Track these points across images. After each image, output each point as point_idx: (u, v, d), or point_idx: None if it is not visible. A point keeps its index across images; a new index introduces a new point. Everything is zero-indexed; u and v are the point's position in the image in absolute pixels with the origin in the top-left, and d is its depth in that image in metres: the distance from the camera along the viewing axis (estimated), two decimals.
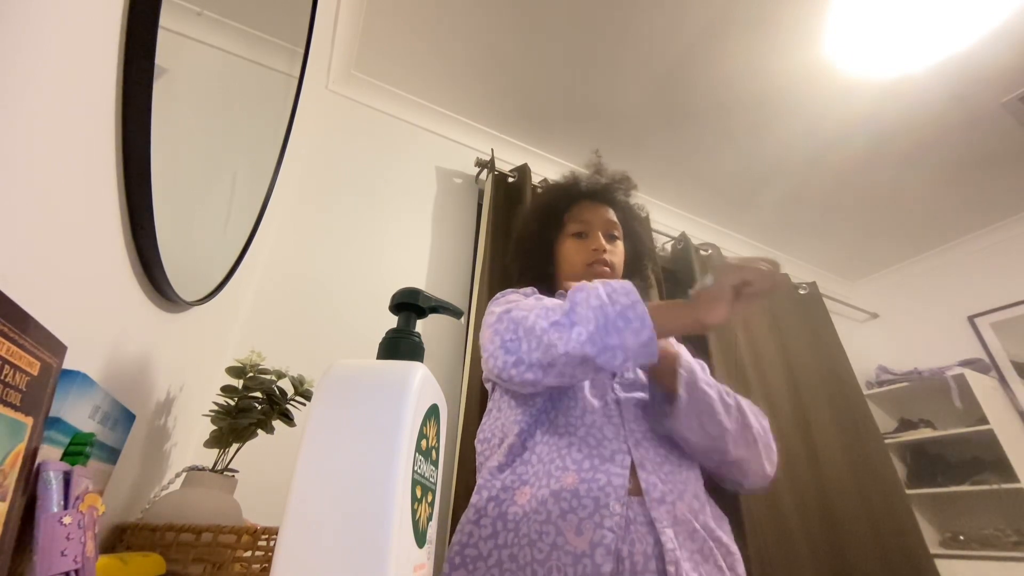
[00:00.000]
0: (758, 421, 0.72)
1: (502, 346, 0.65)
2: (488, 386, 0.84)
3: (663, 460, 0.66)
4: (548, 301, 0.67)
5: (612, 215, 0.92)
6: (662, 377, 0.70)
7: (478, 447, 0.77)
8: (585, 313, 0.59)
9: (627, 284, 0.60)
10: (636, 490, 0.62)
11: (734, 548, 0.65)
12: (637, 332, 0.56)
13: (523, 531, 0.60)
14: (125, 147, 0.44)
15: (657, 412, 0.71)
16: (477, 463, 0.76)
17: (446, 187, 1.79)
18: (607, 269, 0.86)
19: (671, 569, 0.56)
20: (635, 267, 0.98)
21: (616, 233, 0.91)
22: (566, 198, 0.95)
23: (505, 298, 0.79)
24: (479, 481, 0.68)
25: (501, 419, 0.74)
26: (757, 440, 0.70)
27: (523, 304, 0.68)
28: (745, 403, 0.72)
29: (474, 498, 0.66)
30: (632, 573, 0.56)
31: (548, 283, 0.93)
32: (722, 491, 0.74)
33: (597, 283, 0.62)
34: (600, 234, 0.89)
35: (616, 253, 0.89)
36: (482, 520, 0.63)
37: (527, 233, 0.98)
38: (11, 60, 0.31)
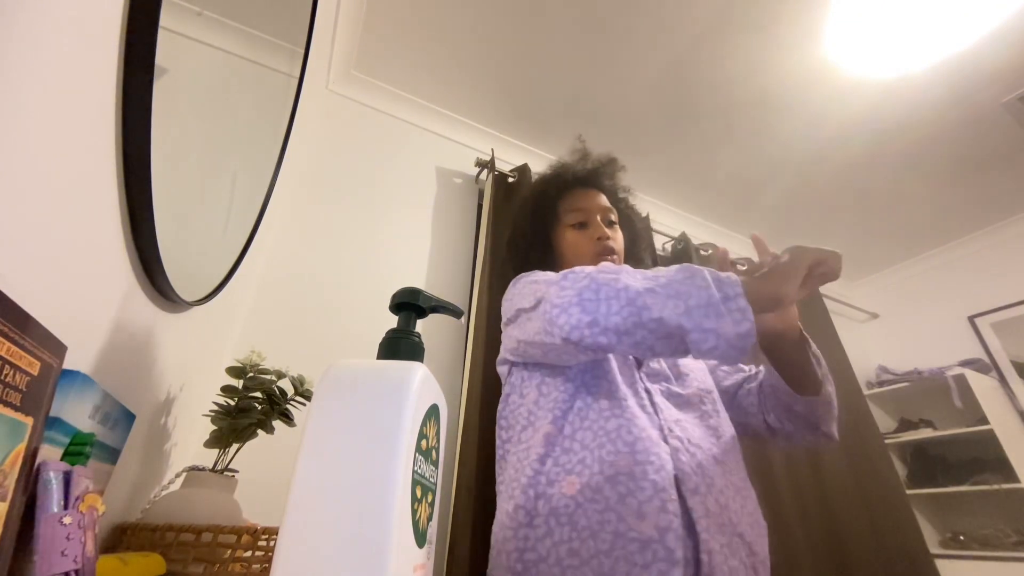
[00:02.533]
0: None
1: (578, 304, 0.60)
2: (504, 369, 0.81)
3: (696, 449, 0.65)
4: (627, 268, 0.64)
5: (605, 200, 0.91)
6: (783, 353, 0.71)
7: (501, 433, 0.75)
8: (685, 289, 0.56)
9: (733, 276, 0.57)
10: None
11: (758, 548, 0.63)
12: (737, 323, 0.53)
13: (581, 523, 0.57)
14: (125, 147, 0.44)
15: (777, 395, 0.74)
16: (501, 449, 0.74)
17: (446, 187, 1.79)
18: (615, 257, 0.85)
19: (704, 558, 0.55)
20: (632, 252, 0.95)
21: (613, 218, 0.90)
22: (557, 187, 0.93)
23: (542, 273, 0.76)
24: (522, 479, 0.65)
25: (526, 404, 0.72)
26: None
27: (602, 265, 0.65)
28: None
29: (519, 498, 0.63)
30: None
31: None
32: None
33: (702, 267, 0.60)
34: (600, 221, 0.87)
35: (617, 239, 0.88)
36: (535, 521, 0.60)
37: (521, 230, 0.95)
38: (11, 60, 0.31)
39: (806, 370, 0.71)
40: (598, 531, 0.56)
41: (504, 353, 0.80)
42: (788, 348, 0.71)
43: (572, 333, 0.60)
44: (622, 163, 0.97)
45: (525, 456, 0.67)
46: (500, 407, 0.78)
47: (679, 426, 0.67)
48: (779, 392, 0.74)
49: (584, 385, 0.70)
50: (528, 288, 0.73)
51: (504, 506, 0.66)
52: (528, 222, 0.94)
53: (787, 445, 0.79)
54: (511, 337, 0.75)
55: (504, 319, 0.79)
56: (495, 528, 0.67)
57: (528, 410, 0.71)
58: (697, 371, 0.80)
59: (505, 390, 0.78)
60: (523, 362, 0.77)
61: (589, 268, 0.65)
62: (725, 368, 0.86)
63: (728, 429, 0.74)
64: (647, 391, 0.71)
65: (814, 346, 0.72)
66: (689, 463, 0.62)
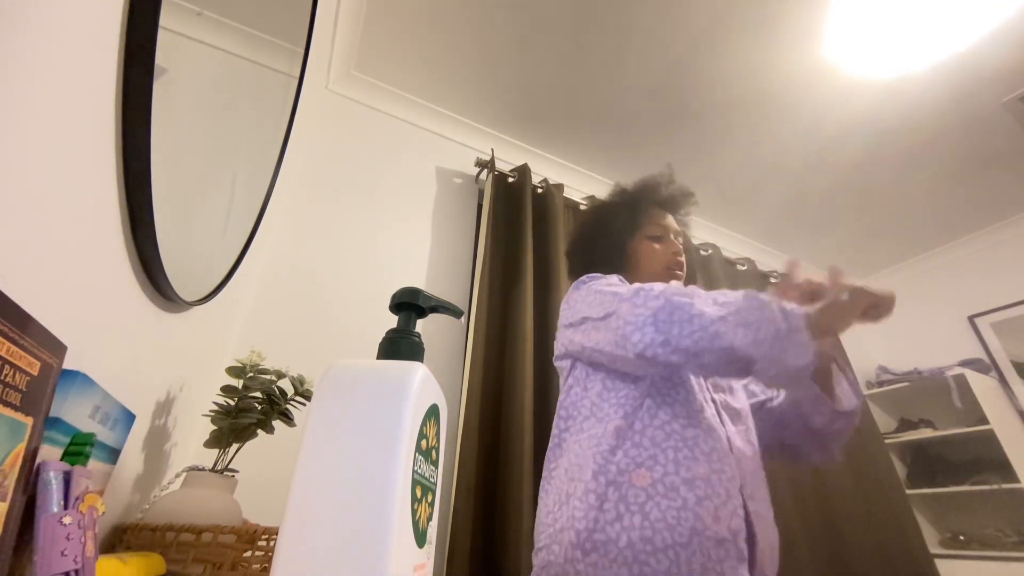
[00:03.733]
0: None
1: (653, 323, 0.64)
2: (565, 363, 0.84)
3: (748, 461, 0.72)
4: (698, 291, 0.68)
5: (679, 226, 0.98)
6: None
7: (559, 423, 0.78)
8: (754, 319, 0.60)
9: (797, 308, 0.61)
10: None
11: (777, 550, 0.70)
12: (798, 356, 0.58)
13: (654, 515, 0.61)
14: (125, 147, 0.44)
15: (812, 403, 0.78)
16: (557, 437, 0.77)
17: (446, 187, 1.79)
18: (682, 273, 0.91)
19: (759, 555, 0.62)
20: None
21: (682, 243, 0.96)
22: (646, 200, 0.99)
23: (605, 281, 0.80)
24: (591, 466, 0.68)
25: (589, 397, 0.76)
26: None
27: (674, 286, 0.70)
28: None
29: (589, 483, 0.66)
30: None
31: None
32: None
33: (769, 296, 0.63)
34: (675, 240, 0.94)
35: (684, 262, 0.94)
36: (604, 504, 0.64)
37: (600, 228, 0.99)
38: (11, 61, 0.31)
39: (826, 382, 0.77)
40: (675, 525, 0.61)
41: (564, 350, 0.83)
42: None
43: (646, 350, 0.65)
44: (696, 199, 1.06)
45: (594, 445, 0.70)
46: (562, 398, 0.81)
47: (737, 437, 0.73)
48: (801, 404, 0.79)
49: (653, 384, 0.73)
50: (595, 297, 0.76)
51: (564, 488, 0.69)
52: (609, 224, 0.98)
53: (791, 462, 0.86)
54: (574, 341, 0.79)
55: (565, 320, 0.83)
56: (552, 507, 0.69)
57: (592, 402, 0.75)
58: (739, 386, 0.85)
59: (568, 383, 0.81)
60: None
61: (660, 286, 0.69)
62: (754, 387, 0.91)
63: (757, 444, 0.79)
64: (713, 401, 0.75)
65: (839, 359, 0.78)
66: (747, 471, 0.69)
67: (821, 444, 0.81)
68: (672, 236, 0.94)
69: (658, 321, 0.64)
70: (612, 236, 0.96)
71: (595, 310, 0.75)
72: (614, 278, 0.82)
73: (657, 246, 0.93)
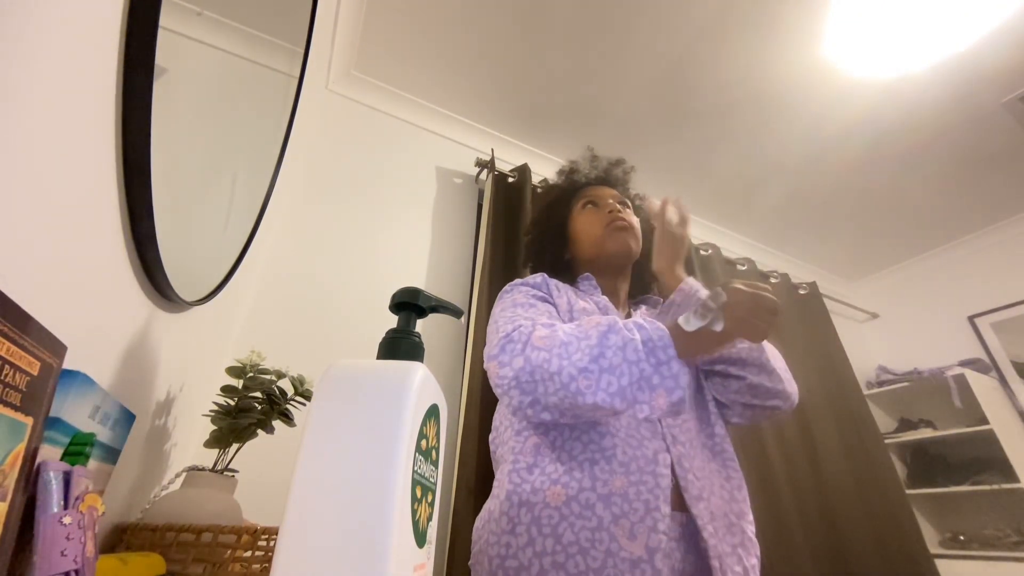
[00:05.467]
0: None
1: (517, 386, 0.61)
2: None
3: (696, 452, 0.66)
4: (564, 332, 0.62)
5: (617, 193, 0.96)
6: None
7: (491, 433, 0.77)
8: (617, 363, 0.57)
9: (665, 335, 0.58)
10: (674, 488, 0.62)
11: (755, 540, 0.66)
12: (670, 391, 0.55)
13: (567, 538, 0.58)
14: (125, 147, 0.44)
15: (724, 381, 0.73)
16: (492, 453, 0.75)
17: (446, 187, 1.79)
18: (625, 223, 0.87)
19: (715, 564, 0.57)
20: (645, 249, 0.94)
21: (625, 203, 0.93)
22: (572, 185, 0.98)
23: (512, 298, 0.76)
24: (507, 485, 0.65)
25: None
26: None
27: (536, 335, 0.63)
28: None
29: (503, 504, 0.63)
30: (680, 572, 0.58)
31: (565, 270, 0.94)
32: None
33: (633, 327, 0.59)
34: (611, 202, 0.91)
35: (631, 220, 0.89)
36: (517, 528, 0.60)
37: (536, 221, 1.01)
38: (11, 61, 0.31)
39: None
40: (588, 549, 0.57)
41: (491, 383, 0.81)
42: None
43: (518, 412, 0.63)
44: (631, 164, 1.02)
45: (513, 462, 0.67)
46: (497, 407, 0.79)
47: (680, 429, 0.67)
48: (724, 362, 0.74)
49: None
50: (492, 328, 0.73)
51: (489, 505, 0.68)
52: (543, 215, 0.99)
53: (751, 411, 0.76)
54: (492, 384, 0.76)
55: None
56: (478, 523, 0.68)
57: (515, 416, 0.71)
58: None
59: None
60: None
61: (524, 339, 0.63)
62: None
63: (717, 419, 0.74)
64: None
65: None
66: (692, 469, 0.64)
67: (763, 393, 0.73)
68: (610, 200, 0.91)
69: (521, 383, 0.61)
70: (552, 220, 0.97)
71: (488, 346, 0.69)
72: (527, 290, 0.77)
73: (589, 212, 0.91)
